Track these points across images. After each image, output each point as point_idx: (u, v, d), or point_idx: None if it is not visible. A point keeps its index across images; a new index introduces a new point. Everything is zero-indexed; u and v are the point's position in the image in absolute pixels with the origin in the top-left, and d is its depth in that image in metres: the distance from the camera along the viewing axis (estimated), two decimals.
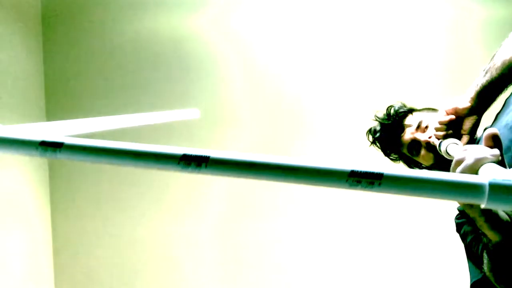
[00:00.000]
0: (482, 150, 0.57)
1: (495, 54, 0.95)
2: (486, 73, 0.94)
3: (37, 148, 0.50)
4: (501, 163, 0.58)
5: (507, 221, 0.58)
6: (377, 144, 1.19)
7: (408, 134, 1.11)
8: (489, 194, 0.40)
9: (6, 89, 2.15)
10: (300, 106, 2.27)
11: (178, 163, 0.47)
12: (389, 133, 1.15)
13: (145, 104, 2.31)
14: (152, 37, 2.35)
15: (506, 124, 0.89)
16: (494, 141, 0.60)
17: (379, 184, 0.43)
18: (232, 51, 2.31)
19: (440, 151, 0.95)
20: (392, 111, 1.17)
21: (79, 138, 0.50)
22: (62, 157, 0.50)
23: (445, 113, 0.99)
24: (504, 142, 0.87)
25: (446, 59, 2.17)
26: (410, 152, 1.11)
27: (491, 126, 1.00)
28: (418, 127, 1.10)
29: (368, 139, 1.20)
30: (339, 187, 0.44)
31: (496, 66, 0.92)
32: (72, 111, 2.36)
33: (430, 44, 2.21)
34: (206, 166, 0.46)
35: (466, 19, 2.17)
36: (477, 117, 0.96)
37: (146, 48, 2.35)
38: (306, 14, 2.29)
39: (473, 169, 0.55)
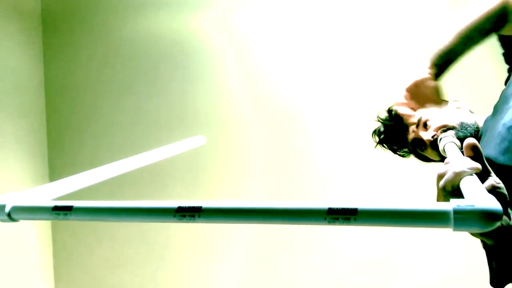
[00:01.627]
0: (461, 164, 0.60)
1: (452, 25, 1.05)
2: (442, 42, 1.05)
3: (51, 213, 0.56)
4: (483, 172, 0.61)
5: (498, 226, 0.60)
6: (384, 145, 1.21)
7: (411, 133, 1.12)
8: (455, 220, 0.44)
9: (6, 89, 2.15)
10: (302, 107, 2.25)
11: (174, 216, 0.52)
12: (393, 133, 1.17)
13: (146, 104, 2.32)
14: (153, 37, 2.35)
15: (504, 124, 0.90)
16: (474, 151, 0.62)
17: (355, 219, 0.47)
18: (234, 51, 2.30)
19: (439, 149, 0.97)
20: (392, 112, 1.19)
21: (86, 201, 0.56)
22: (73, 219, 0.56)
23: (405, 92, 1.09)
24: (504, 143, 0.89)
25: None
26: (415, 149, 1.12)
27: (490, 118, 1.01)
28: (418, 124, 1.11)
29: (374, 141, 1.22)
30: (319, 224, 0.48)
31: (450, 36, 1.03)
32: (72, 111, 2.39)
33: (433, 43, 2.20)
34: (199, 216, 0.51)
35: None
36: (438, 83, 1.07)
37: (146, 48, 2.35)
38: (309, 14, 2.29)
39: (453, 183, 0.58)
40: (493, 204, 0.45)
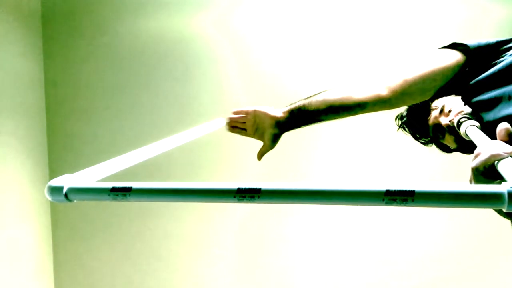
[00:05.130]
0: (498, 146, 0.63)
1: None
2: (307, 98, 1.07)
3: (109, 194, 0.58)
4: None
5: None
6: (406, 128, 1.23)
7: (432, 118, 1.15)
8: (509, 201, 0.47)
9: (6, 89, 2.15)
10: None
11: (234, 197, 0.54)
12: (415, 117, 1.19)
13: (146, 104, 2.32)
14: (153, 37, 2.35)
15: None
16: (510, 136, 0.65)
17: (412, 200, 0.50)
18: (233, 51, 2.30)
19: (460, 133, 1.00)
20: None
21: (144, 182, 0.58)
22: (132, 200, 0.58)
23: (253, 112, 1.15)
24: None
25: None
26: (435, 136, 1.15)
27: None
28: (442, 111, 1.13)
29: (397, 124, 1.24)
30: (377, 205, 0.51)
31: (317, 99, 1.04)
32: (73, 111, 2.38)
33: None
34: (259, 197, 0.53)
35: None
36: (278, 131, 1.12)
37: (146, 48, 2.35)
38: (308, 14, 2.30)
39: (486, 163, 0.61)
40: None
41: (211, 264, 2.29)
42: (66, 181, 0.59)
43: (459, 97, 1.19)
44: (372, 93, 0.97)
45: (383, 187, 0.50)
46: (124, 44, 2.36)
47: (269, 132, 1.10)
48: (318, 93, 1.03)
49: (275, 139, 1.10)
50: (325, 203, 0.52)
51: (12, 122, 2.17)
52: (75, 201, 0.60)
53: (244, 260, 2.28)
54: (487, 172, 0.62)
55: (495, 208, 0.48)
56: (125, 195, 0.57)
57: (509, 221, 0.84)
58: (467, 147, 1.11)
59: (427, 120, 1.17)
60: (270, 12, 2.30)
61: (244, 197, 0.54)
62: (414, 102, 1.02)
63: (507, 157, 0.61)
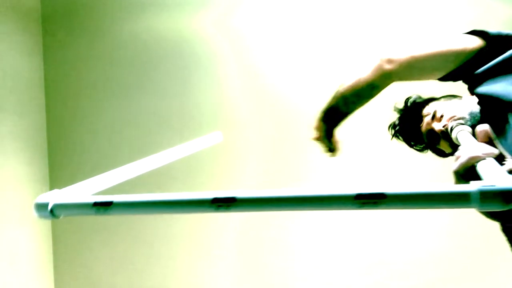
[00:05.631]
0: (476, 149, 0.62)
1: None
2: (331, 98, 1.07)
3: (91, 209, 0.59)
4: (498, 157, 0.63)
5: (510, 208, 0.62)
6: (399, 137, 1.23)
7: (425, 125, 1.15)
8: (480, 200, 0.47)
9: (6, 89, 2.15)
10: (302, 107, 2.27)
11: (211, 206, 0.55)
12: (408, 124, 1.19)
13: (146, 104, 2.34)
14: (153, 37, 2.37)
15: None
16: (487, 136, 0.65)
17: (383, 203, 0.50)
18: (233, 52, 2.32)
19: (452, 138, 0.99)
20: (408, 102, 1.22)
21: (125, 195, 0.59)
22: (113, 213, 0.59)
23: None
24: None
25: None
26: (430, 142, 1.14)
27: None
28: (434, 116, 1.13)
29: (390, 133, 1.24)
30: (349, 208, 0.51)
31: (335, 94, 1.06)
32: (72, 111, 2.40)
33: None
34: (235, 206, 0.54)
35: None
36: (326, 126, 1.11)
37: (146, 48, 2.37)
38: (308, 14, 2.31)
39: (466, 166, 0.61)
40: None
41: (211, 264, 2.29)
42: (52, 197, 0.61)
43: (453, 100, 1.18)
44: (376, 70, 0.99)
45: (353, 191, 0.51)
46: (124, 44, 2.38)
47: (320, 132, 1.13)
48: (336, 93, 1.06)
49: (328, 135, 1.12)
50: (298, 209, 0.53)
51: (12, 122, 2.17)
52: (61, 216, 0.62)
53: (244, 261, 2.27)
54: (468, 174, 0.62)
55: (471, 208, 0.48)
56: (106, 209, 0.58)
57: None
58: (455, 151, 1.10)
59: (420, 127, 1.17)
60: (270, 12, 2.31)
61: (221, 206, 0.55)
62: (423, 79, 1.01)
63: (485, 158, 0.61)
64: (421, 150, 1.19)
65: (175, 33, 2.35)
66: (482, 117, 1.00)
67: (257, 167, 2.28)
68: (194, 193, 0.55)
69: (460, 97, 1.20)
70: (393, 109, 1.24)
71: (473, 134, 1.02)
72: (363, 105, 1.05)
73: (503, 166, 0.62)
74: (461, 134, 0.96)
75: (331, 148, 1.13)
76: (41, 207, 0.61)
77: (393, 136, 1.23)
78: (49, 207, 0.60)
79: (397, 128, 1.21)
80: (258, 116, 2.29)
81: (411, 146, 1.21)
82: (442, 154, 1.17)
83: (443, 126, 1.10)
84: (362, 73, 1.01)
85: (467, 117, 1.09)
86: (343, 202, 0.51)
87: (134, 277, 2.33)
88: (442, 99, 1.18)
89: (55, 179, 2.39)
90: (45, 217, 0.61)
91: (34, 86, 2.37)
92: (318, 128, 1.10)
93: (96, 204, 0.59)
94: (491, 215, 0.62)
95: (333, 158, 1.17)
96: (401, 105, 1.22)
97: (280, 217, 2.22)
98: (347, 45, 2.26)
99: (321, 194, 0.52)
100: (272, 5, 2.32)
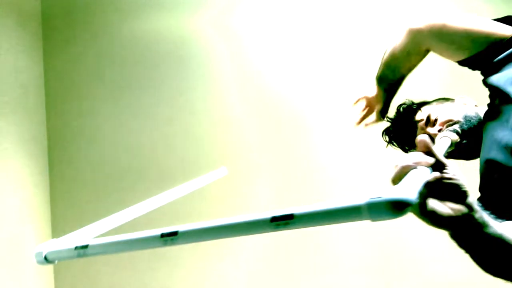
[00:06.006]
0: (407, 158, 0.65)
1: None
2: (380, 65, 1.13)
3: (74, 252, 0.71)
4: (438, 166, 0.66)
5: (449, 215, 0.64)
6: (394, 143, 1.25)
7: (419, 130, 1.16)
8: (370, 213, 0.51)
9: (6, 89, 2.13)
10: (299, 107, 2.30)
11: (159, 241, 0.64)
12: (402, 131, 1.21)
13: (145, 104, 2.38)
14: (152, 37, 2.40)
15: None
16: (425, 147, 0.68)
17: (293, 223, 0.56)
18: (231, 51, 2.36)
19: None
20: (401, 108, 1.24)
21: (101, 238, 0.70)
22: (91, 254, 0.70)
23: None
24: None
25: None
26: None
27: (490, 119, 1.02)
28: (428, 121, 1.14)
29: (385, 140, 1.26)
30: (265, 231, 0.58)
31: (380, 66, 1.11)
32: (72, 111, 2.44)
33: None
34: (176, 239, 0.63)
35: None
36: (385, 98, 1.15)
37: (145, 48, 2.40)
38: (306, 14, 2.34)
39: (399, 175, 0.62)
40: (401, 194, 0.51)
41: (212, 264, 2.29)
42: (45, 247, 0.74)
43: (446, 103, 1.19)
44: (408, 33, 1.03)
45: (268, 215, 0.57)
46: (123, 44, 2.44)
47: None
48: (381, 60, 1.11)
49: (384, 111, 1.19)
50: (222, 237, 0.60)
51: (12, 122, 2.16)
52: (56, 262, 0.74)
53: (246, 261, 2.27)
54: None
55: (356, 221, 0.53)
56: (84, 252, 0.70)
57: None
58: (458, 153, 1.10)
59: (415, 133, 1.18)
60: (268, 11, 2.36)
61: (167, 241, 0.64)
62: (448, 55, 1.02)
63: (416, 167, 0.64)
64: None
65: (173, 33, 2.41)
66: (491, 110, 1.00)
67: (254, 165, 2.30)
68: (144, 231, 0.65)
69: (452, 100, 1.21)
70: (385, 119, 1.27)
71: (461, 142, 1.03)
72: (409, 71, 1.08)
73: (431, 174, 0.65)
74: (440, 141, 0.98)
75: (383, 114, 1.17)
76: (38, 255, 0.74)
77: (388, 143, 1.25)
78: (43, 255, 0.73)
79: (392, 134, 1.23)
80: (255, 114, 2.32)
81: (406, 151, 1.22)
82: None
83: (438, 131, 1.11)
84: (398, 39, 1.04)
85: (462, 120, 1.10)
86: (261, 226, 0.58)
87: (135, 277, 2.32)
88: (435, 103, 1.19)
89: (55, 179, 2.41)
90: (42, 262, 0.74)
91: (34, 86, 2.34)
92: (377, 95, 1.14)
93: (76, 248, 0.71)
94: (435, 224, 0.65)
95: (377, 124, 1.20)
96: (392, 113, 1.25)
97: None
98: (346, 44, 2.28)
99: (241, 221, 0.59)
100: (270, 5, 2.36)
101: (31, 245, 2.22)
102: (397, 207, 0.51)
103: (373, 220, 0.52)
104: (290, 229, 0.56)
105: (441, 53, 1.03)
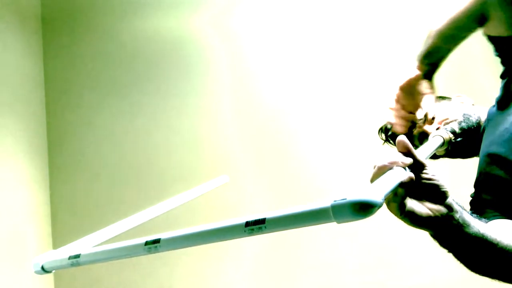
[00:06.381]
0: (384, 158, 0.65)
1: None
2: (426, 41, 1.05)
3: (67, 261, 0.74)
4: (417, 166, 0.67)
5: (428, 216, 0.65)
6: (390, 141, 1.24)
7: (417, 128, 1.16)
8: (334, 215, 0.53)
9: (6, 89, 2.13)
10: (297, 107, 2.29)
11: (144, 249, 0.67)
12: None
13: (145, 103, 2.39)
14: (152, 37, 2.41)
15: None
16: (404, 147, 0.68)
17: (265, 227, 0.58)
18: (229, 51, 2.36)
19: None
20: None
21: (93, 248, 0.74)
22: (83, 263, 0.73)
23: (399, 90, 1.08)
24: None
25: (449, 58, 2.13)
26: (422, 144, 1.15)
27: (496, 113, 1.02)
28: (426, 119, 1.14)
29: (381, 138, 1.26)
30: (241, 236, 0.59)
31: (432, 39, 1.04)
32: (72, 111, 2.44)
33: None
34: (160, 247, 0.66)
35: None
36: (430, 80, 1.07)
37: (145, 48, 2.41)
38: (304, 15, 2.33)
39: (377, 176, 0.63)
40: (365, 195, 0.52)
41: (212, 264, 2.29)
42: (42, 258, 0.78)
43: (443, 102, 1.19)
44: None
45: (242, 220, 0.59)
46: (123, 44, 2.45)
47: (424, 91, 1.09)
48: (430, 33, 1.04)
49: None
50: (201, 244, 0.62)
51: (12, 121, 2.16)
52: (53, 271, 0.78)
53: (247, 260, 2.26)
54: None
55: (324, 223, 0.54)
56: (77, 261, 0.73)
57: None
58: (455, 152, 1.10)
59: (412, 131, 1.18)
60: (266, 12, 2.37)
61: (150, 248, 0.66)
62: (492, 27, 0.99)
63: (392, 168, 0.64)
64: None
65: (173, 33, 2.42)
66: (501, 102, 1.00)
67: (250, 166, 2.29)
68: (128, 241, 0.68)
69: (449, 98, 1.20)
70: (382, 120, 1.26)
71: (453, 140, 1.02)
72: (462, 41, 1.04)
73: (406, 175, 0.65)
74: (432, 139, 0.98)
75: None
76: (36, 266, 0.78)
77: (385, 141, 1.24)
78: (40, 265, 0.77)
79: (389, 132, 1.23)
80: (253, 114, 2.32)
81: None
82: (434, 156, 1.16)
83: (436, 129, 1.11)
84: (461, 5, 1.00)
85: (461, 118, 1.10)
86: (236, 231, 0.59)
87: (135, 277, 2.32)
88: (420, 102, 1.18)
89: (55, 179, 2.40)
90: (39, 273, 0.78)
91: (34, 86, 2.35)
92: (420, 69, 1.06)
93: (70, 257, 0.74)
94: (414, 224, 0.65)
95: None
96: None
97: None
98: (343, 44, 2.27)
99: (217, 227, 0.61)
100: (268, 5, 2.36)
101: (31, 245, 2.22)
102: (361, 208, 0.52)
103: (338, 222, 0.53)
104: (264, 233, 0.57)
105: (493, 25, 0.99)
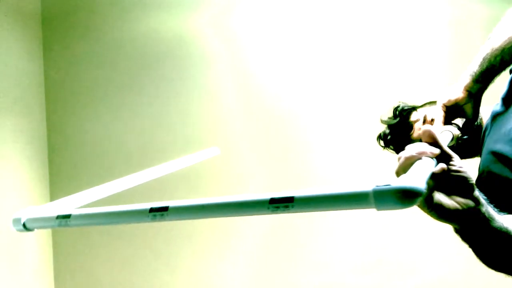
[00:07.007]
0: (412, 149, 0.63)
1: (490, 37, 0.99)
2: (484, 59, 0.98)
3: (55, 221, 0.67)
4: (444, 157, 0.64)
5: (456, 209, 0.62)
6: (390, 147, 1.24)
7: (417, 131, 1.15)
8: (375, 200, 0.48)
9: (6, 89, 2.13)
10: (297, 107, 2.30)
11: (148, 216, 0.60)
12: (398, 133, 1.20)
13: (145, 103, 2.39)
14: (152, 38, 2.41)
15: None
16: (430, 137, 0.65)
17: (293, 206, 0.53)
18: (229, 51, 2.36)
19: None
20: (396, 111, 1.22)
21: (83, 209, 0.66)
22: (73, 225, 0.66)
23: (442, 107, 1.03)
24: None
25: (449, 60, 2.17)
26: None
27: (500, 111, 1.01)
28: (424, 121, 1.14)
29: (380, 144, 1.25)
30: (264, 213, 0.54)
31: (491, 54, 0.97)
32: (73, 111, 2.44)
33: (432, 45, 2.21)
34: (167, 215, 0.59)
35: (468, 19, 2.14)
36: (474, 102, 1.01)
37: (145, 48, 2.41)
38: (304, 15, 2.33)
39: (404, 168, 0.61)
40: (411, 183, 0.48)
41: (212, 264, 2.30)
42: (25, 213, 0.70)
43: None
44: None
45: (267, 196, 0.54)
46: (123, 44, 2.44)
47: (468, 112, 1.03)
48: (488, 46, 0.99)
49: (475, 111, 1.04)
50: (220, 216, 0.57)
51: (12, 122, 2.16)
52: (35, 230, 0.70)
53: (246, 260, 2.28)
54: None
55: (363, 209, 0.50)
56: (66, 222, 0.66)
57: None
58: (456, 151, 1.09)
59: (410, 135, 1.17)
60: (266, 12, 2.35)
61: (156, 216, 0.60)
62: None
63: (421, 158, 0.61)
64: None
65: (172, 33, 2.41)
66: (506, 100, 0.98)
67: (250, 165, 2.31)
68: (132, 205, 0.61)
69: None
70: (380, 121, 1.25)
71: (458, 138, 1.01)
72: None
73: (437, 166, 0.62)
74: (441, 135, 0.96)
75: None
76: (16, 222, 0.69)
77: (384, 147, 1.24)
78: (22, 222, 0.69)
79: (388, 137, 1.22)
80: (253, 114, 2.33)
81: None
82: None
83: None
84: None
85: (460, 118, 1.08)
86: (258, 207, 0.54)
87: (135, 277, 2.34)
88: (427, 105, 1.18)
89: (55, 179, 2.41)
90: (20, 230, 0.70)
91: (34, 86, 2.35)
92: (469, 87, 1.01)
93: (58, 217, 0.66)
94: (441, 218, 0.62)
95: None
96: (387, 116, 1.24)
97: (284, 216, 2.22)
98: (342, 44, 2.28)
99: (237, 200, 0.55)
100: (267, 5, 2.35)
101: (31, 245, 2.23)
102: (406, 196, 0.48)
103: (378, 209, 0.49)
104: (290, 212, 0.53)
105: None
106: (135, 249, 2.38)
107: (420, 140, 1.13)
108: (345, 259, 2.20)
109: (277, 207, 0.53)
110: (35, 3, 2.44)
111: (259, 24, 2.36)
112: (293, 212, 0.53)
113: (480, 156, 1.01)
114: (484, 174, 0.94)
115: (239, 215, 0.56)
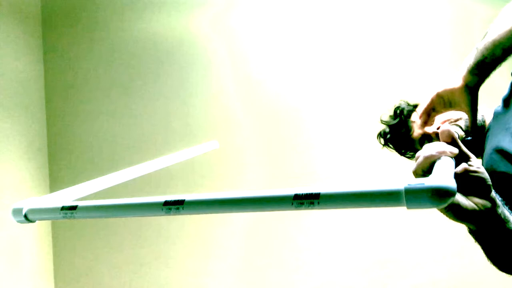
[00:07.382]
0: (431, 148, 0.61)
1: (487, 32, 0.99)
2: (476, 50, 0.97)
3: (59, 213, 0.63)
4: (462, 157, 0.63)
5: (473, 209, 0.61)
6: (390, 145, 1.23)
7: (417, 130, 1.15)
8: (407, 199, 0.47)
9: (6, 89, 2.12)
10: (297, 107, 2.30)
11: (162, 209, 0.58)
12: (399, 132, 1.19)
13: (144, 103, 2.37)
14: (152, 37, 2.40)
15: None
16: (449, 136, 0.64)
17: (318, 203, 0.51)
18: (230, 51, 2.35)
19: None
20: (397, 111, 1.21)
21: (90, 201, 0.63)
22: (79, 217, 0.63)
23: (436, 96, 1.01)
24: None
25: (450, 59, 2.19)
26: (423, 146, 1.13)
27: (502, 112, 1.01)
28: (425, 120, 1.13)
29: (380, 142, 1.24)
30: (288, 209, 0.52)
31: (486, 46, 0.95)
32: (73, 111, 2.42)
33: (433, 44, 2.23)
34: (183, 209, 0.57)
35: (469, 18, 2.15)
36: (471, 98, 0.99)
37: (145, 48, 2.40)
38: (304, 14, 2.32)
39: (423, 167, 0.60)
40: (444, 182, 0.47)
41: (211, 264, 2.29)
42: (26, 203, 0.66)
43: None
44: None
45: (291, 192, 0.52)
46: (123, 44, 2.43)
47: (464, 104, 1.01)
48: (484, 40, 0.97)
49: (474, 104, 1.01)
50: (241, 211, 0.55)
51: (12, 122, 2.16)
52: (36, 221, 0.66)
53: (245, 260, 2.28)
54: (429, 174, 0.61)
55: (393, 207, 0.48)
56: (72, 213, 0.62)
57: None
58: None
59: (410, 135, 1.16)
60: (266, 12, 2.34)
61: (170, 209, 0.57)
62: None
63: (440, 158, 0.60)
64: (411, 158, 1.19)
65: (173, 33, 2.39)
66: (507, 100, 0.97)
67: (251, 165, 2.30)
68: (145, 197, 0.58)
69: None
70: (380, 121, 1.24)
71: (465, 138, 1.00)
72: None
73: (458, 166, 0.61)
74: None
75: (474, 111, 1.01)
76: (16, 212, 0.66)
77: (384, 145, 1.23)
78: (23, 212, 0.65)
79: (388, 136, 1.21)
80: (253, 114, 2.31)
81: (402, 154, 1.21)
82: None
83: (437, 128, 1.09)
84: None
85: (465, 116, 1.08)
86: (282, 203, 0.52)
87: (135, 277, 2.33)
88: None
89: (55, 179, 2.40)
90: (20, 221, 0.66)
91: (34, 86, 2.35)
92: (466, 79, 0.98)
93: (63, 209, 0.63)
94: (458, 218, 0.62)
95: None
96: (387, 116, 1.23)
97: (282, 216, 2.23)
98: (342, 44, 2.28)
99: (260, 195, 0.53)
100: (267, 5, 2.34)
101: (31, 246, 2.23)
102: (439, 196, 0.47)
103: (408, 208, 0.48)
104: (314, 209, 0.51)
105: None
106: (136, 250, 2.35)
107: (424, 140, 1.13)
108: (345, 260, 2.20)
109: (302, 203, 0.52)
110: (35, 3, 2.43)
111: (259, 24, 2.35)
112: (317, 209, 0.51)
113: (482, 157, 1.02)
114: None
115: (261, 211, 0.54)
